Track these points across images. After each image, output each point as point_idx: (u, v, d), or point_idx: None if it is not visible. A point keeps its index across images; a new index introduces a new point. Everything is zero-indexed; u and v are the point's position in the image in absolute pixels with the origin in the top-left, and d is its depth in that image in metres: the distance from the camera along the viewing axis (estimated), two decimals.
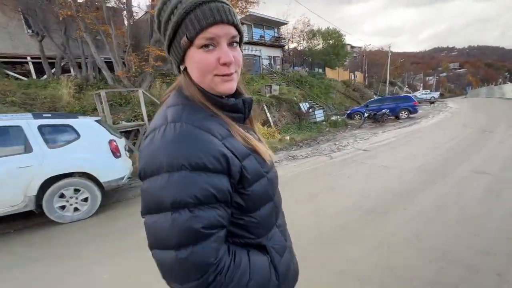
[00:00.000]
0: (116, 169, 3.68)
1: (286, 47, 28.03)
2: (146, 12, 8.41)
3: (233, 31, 0.57)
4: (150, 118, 6.84)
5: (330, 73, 26.00)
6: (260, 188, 0.61)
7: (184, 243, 0.50)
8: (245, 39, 20.58)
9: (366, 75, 37.14)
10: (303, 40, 28.01)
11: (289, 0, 24.30)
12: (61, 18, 6.65)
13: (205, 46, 0.55)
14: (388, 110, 12.84)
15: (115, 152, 3.64)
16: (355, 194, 3.71)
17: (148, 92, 7.82)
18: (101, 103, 5.27)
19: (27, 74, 10.55)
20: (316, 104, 16.57)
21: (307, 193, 3.90)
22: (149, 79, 7.79)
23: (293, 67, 21.66)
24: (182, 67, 0.61)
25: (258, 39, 22.01)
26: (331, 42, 27.27)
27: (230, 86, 0.60)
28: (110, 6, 6.67)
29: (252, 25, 22.99)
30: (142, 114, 6.79)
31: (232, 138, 0.58)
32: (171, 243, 0.50)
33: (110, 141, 3.63)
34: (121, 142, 4.00)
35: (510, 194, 3.33)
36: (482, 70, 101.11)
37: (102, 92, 5.26)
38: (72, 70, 9.47)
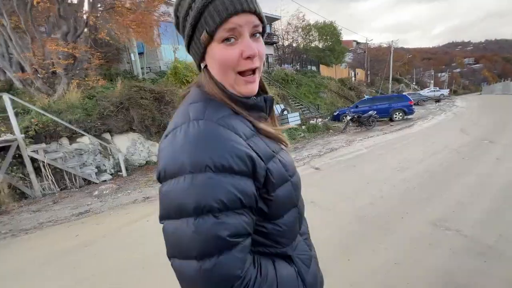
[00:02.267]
0: None
1: (281, 44, 26.41)
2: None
3: (256, 20, 0.51)
4: (40, 132, 5.49)
5: (325, 71, 24.19)
6: (284, 192, 0.55)
7: (208, 253, 0.44)
8: None
9: (368, 72, 34.91)
10: (299, 36, 26.27)
11: None
12: None
13: (227, 39, 0.50)
14: (375, 112, 11.06)
15: None
16: None
17: (65, 97, 6.50)
18: None
19: None
20: (300, 105, 14.94)
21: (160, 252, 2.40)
22: (65, 80, 6.47)
23: (280, 65, 20.01)
24: (202, 65, 0.57)
25: None
26: (328, 37, 25.44)
27: (252, 88, 0.55)
28: None
29: None
30: (36, 125, 5.47)
31: (256, 138, 0.54)
32: (194, 253, 0.45)
33: None
34: None
35: None
36: (500, 65, 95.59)
37: None
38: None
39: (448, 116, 13.05)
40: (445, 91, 37.26)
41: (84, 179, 5.50)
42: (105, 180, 5.74)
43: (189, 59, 11.44)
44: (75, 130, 5.91)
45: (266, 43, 22.70)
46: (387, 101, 13.45)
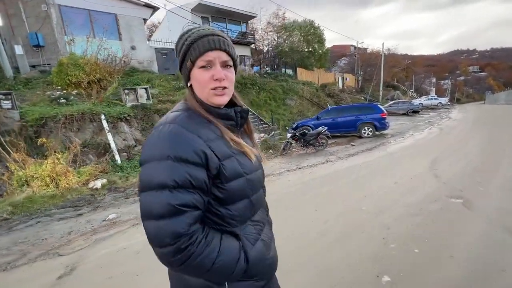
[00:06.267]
0: None
1: (261, 45, 23.76)
2: None
3: (225, 56, 0.75)
4: None
5: (305, 75, 21.40)
6: (237, 185, 0.74)
7: (163, 215, 0.63)
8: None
9: (360, 78, 32.01)
10: (279, 37, 23.60)
11: None
12: None
13: (203, 66, 0.73)
14: (326, 128, 8.19)
15: None
16: None
17: None
18: None
19: None
20: (251, 114, 12.17)
21: None
22: None
23: (244, 67, 17.31)
24: (189, 84, 0.79)
25: None
26: (310, 37, 22.77)
27: (221, 100, 0.76)
28: None
29: (210, 18, 19.00)
30: None
31: (219, 141, 0.72)
32: (154, 214, 0.64)
33: None
34: None
35: None
36: (506, 73, 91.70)
37: None
38: None
39: (432, 133, 10.14)
40: (444, 99, 33.94)
41: None
42: None
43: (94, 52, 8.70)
44: None
45: (241, 43, 20.15)
46: (354, 112, 10.60)
